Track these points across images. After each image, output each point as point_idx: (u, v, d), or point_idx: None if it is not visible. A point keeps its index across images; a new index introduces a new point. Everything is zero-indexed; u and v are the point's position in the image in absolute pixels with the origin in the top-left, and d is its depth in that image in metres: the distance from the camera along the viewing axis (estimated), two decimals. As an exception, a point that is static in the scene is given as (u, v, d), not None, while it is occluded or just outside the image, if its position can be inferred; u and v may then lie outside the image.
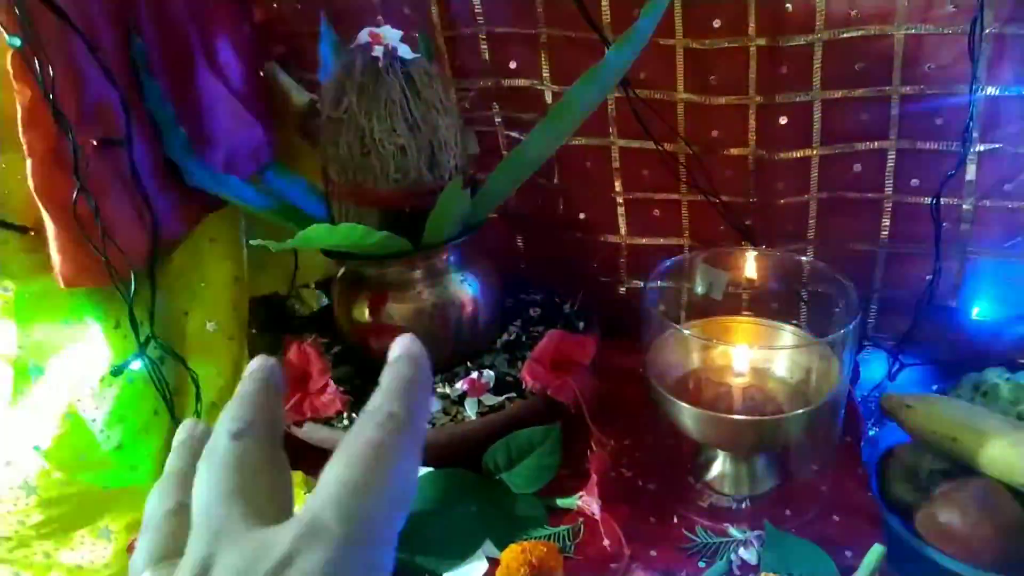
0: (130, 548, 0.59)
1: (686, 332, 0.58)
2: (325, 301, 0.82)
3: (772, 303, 0.67)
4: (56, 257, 0.49)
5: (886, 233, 0.71)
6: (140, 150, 0.54)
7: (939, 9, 0.62)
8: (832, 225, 0.73)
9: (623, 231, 0.79)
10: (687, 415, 0.57)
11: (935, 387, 0.73)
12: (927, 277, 0.70)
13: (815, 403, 0.57)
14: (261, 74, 0.76)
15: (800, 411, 0.56)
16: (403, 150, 0.58)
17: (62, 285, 0.50)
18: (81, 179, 0.47)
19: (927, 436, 0.62)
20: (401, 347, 0.29)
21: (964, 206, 0.68)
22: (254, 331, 0.77)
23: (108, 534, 0.60)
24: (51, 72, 0.44)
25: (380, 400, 0.26)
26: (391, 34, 0.59)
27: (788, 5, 0.64)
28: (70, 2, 0.48)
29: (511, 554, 0.52)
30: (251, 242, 0.50)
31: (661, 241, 0.79)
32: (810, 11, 0.64)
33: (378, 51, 0.58)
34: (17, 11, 0.43)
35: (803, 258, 0.64)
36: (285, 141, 0.77)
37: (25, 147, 0.46)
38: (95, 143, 0.49)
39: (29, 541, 0.58)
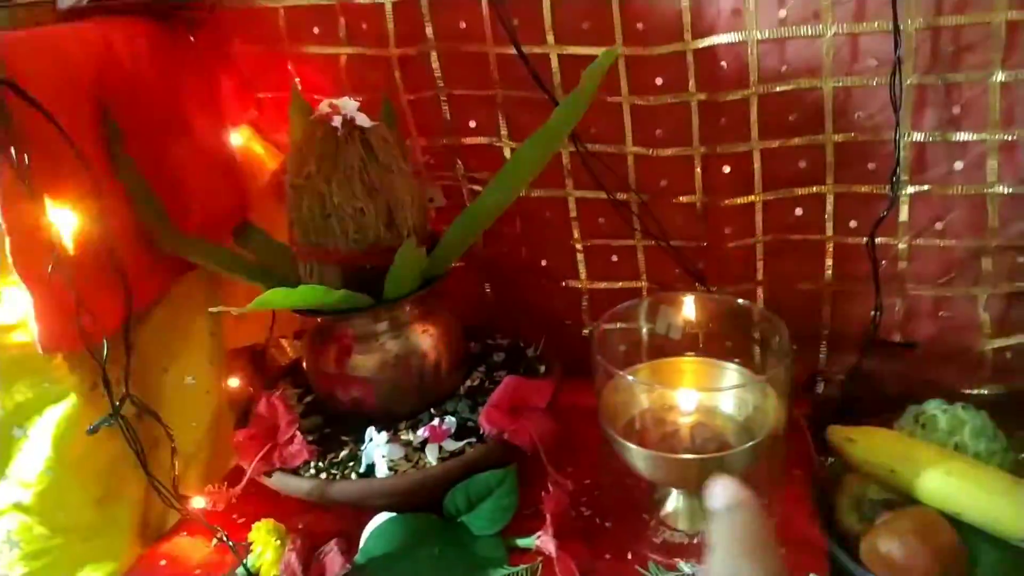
0: (109, 598, 0.62)
1: (629, 378, 0.61)
2: (303, 351, 0.85)
3: (725, 342, 0.70)
4: (34, 325, 0.53)
5: (830, 272, 0.75)
6: (114, 221, 0.58)
7: (862, 63, 0.66)
8: (779, 266, 0.76)
9: (583, 276, 0.83)
10: (635, 455, 0.60)
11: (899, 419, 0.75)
12: (872, 313, 0.74)
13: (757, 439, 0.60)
14: (233, 139, 0.80)
15: (740, 448, 0.59)
16: (362, 212, 0.62)
17: (40, 351, 0.53)
18: (56, 253, 0.51)
19: (869, 468, 0.65)
20: (724, 495, 0.33)
21: (899, 245, 0.71)
22: (233, 382, 0.80)
23: (89, 585, 0.63)
24: (26, 159, 0.48)
25: (724, 562, 0.29)
26: (349, 105, 0.63)
27: (723, 63, 0.68)
28: (47, 88, 0.52)
29: (469, 594, 0.55)
30: (211, 309, 0.54)
31: (620, 285, 0.82)
32: (743, 68, 0.68)
33: (337, 121, 0.62)
34: (-6, 105, 0.48)
35: (740, 300, 0.67)
36: (259, 202, 0.81)
37: (5, 226, 0.50)
38: (70, 219, 0.53)
39: (14, 594, 0.61)
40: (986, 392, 0.74)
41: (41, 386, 0.58)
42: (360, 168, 0.62)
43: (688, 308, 0.68)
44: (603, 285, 0.83)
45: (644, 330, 0.67)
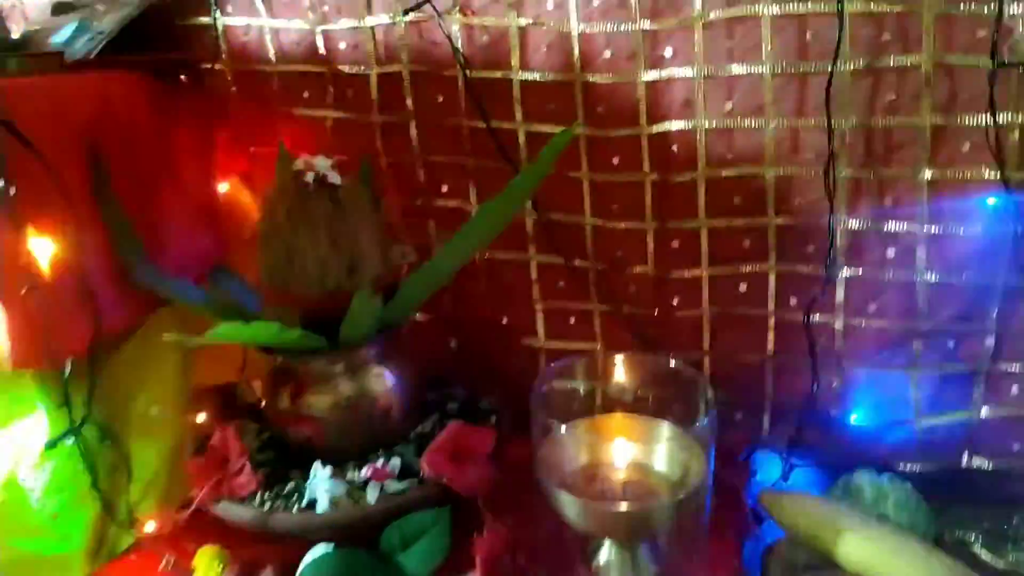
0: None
1: (563, 430, 0.65)
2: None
3: (666, 403, 0.73)
4: (6, 342, 0.57)
5: (771, 346, 0.79)
6: (91, 253, 0.62)
7: (801, 154, 0.71)
8: (724, 338, 0.80)
9: (541, 335, 0.87)
10: (566, 503, 0.63)
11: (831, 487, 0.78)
12: (810, 387, 0.77)
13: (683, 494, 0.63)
14: (221, 188, 0.86)
15: (665, 501, 0.62)
16: (324, 260, 0.67)
17: (9, 368, 0.57)
18: (33, 278, 0.56)
19: (796, 532, 0.67)
20: None
21: (836, 324, 0.75)
22: (200, 416, 0.83)
23: (38, 600, 0.65)
24: (12, 191, 0.53)
25: None
26: (321, 163, 0.69)
27: (674, 147, 0.74)
28: (41, 130, 0.58)
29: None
30: (165, 336, 0.58)
31: (576, 346, 0.86)
32: (693, 153, 0.74)
33: (309, 176, 0.68)
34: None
35: (672, 362, 0.70)
36: (241, 250, 0.86)
37: (-11, 250, 0.55)
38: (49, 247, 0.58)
39: (-37, 603, 0.64)
40: (917, 468, 0.76)
41: (9, 400, 0.61)
42: (326, 220, 0.67)
43: (622, 368, 0.71)
44: (560, 345, 0.87)
45: (582, 389, 0.71)
